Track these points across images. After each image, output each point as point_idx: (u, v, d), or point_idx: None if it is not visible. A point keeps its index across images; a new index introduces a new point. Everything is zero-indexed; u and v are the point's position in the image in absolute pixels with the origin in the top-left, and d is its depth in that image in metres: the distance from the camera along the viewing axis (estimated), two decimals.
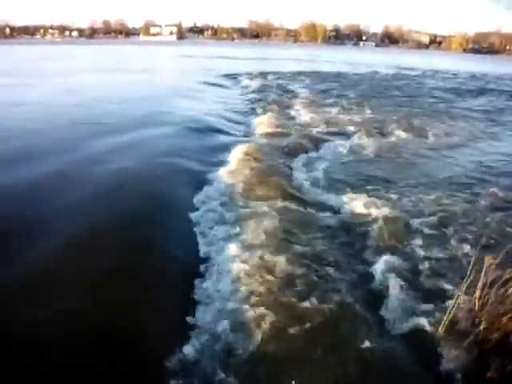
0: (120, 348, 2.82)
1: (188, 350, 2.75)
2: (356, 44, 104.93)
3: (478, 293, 2.97)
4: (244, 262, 3.69)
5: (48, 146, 7.34)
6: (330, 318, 3.05)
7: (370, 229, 4.52)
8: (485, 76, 30.25)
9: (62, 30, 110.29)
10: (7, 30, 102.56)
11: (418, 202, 5.36)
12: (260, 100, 14.25)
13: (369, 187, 5.95)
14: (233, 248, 3.96)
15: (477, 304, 2.98)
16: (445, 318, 2.89)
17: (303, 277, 3.50)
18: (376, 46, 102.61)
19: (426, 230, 4.55)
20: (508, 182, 6.44)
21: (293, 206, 5.10)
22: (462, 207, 5.25)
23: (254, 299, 3.17)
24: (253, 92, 16.44)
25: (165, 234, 4.46)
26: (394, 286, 3.46)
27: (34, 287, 3.37)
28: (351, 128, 10.01)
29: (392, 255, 3.93)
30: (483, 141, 9.61)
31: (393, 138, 9.29)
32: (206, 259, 3.92)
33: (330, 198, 5.50)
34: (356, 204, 5.19)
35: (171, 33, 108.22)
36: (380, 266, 3.76)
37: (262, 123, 10.08)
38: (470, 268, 2.96)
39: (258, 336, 2.83)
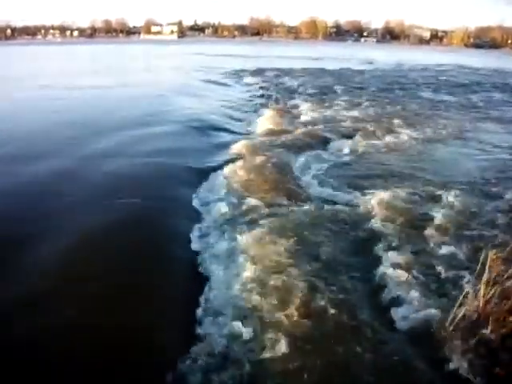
0: (120, 352, 2.83)
1: (189, 360, 2.70)
2: (357, 40, 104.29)
3: (482, 290, 2.97)
4: (247, 262, 3.69)
5: (48, 145, 7.48)
6: (338, 313, 3.06)
7: (376, 225, 4.52)
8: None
9: (63, 29, 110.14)
10: (8, 31, 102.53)
11: (426, 199, 5.31)
12: (262, 97, 14.24)
13: (377, 183, 5.92)
14: (235, 248, 3.97)
15: (481, 301, 2.99)
16: (452, 315, 2.90)
17: (309, 277, 3.49)
18: (377, 42, 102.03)
19: (434, 227, 4.53)
20: None
21: (296, 203, 5.10)
22: (472, 205, 5.19)
23: (256, 300, 3.18)
24: (255, 89, 16.41)
25: (165, 235, 4.45)
26: (402, 282, 3.47)
27: (34, 291, 3.37)
28: (358, 125, 9.85)
29: (399, 252, 3.94)
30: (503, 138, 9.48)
31: (400, 136, 9.06)
32: (208, 260, 3.90)
33: (334, 195, 5.51)
34: (362, 201, 5.21)
35: (172, 32, 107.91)
36: (387, 262, 3.77)
37: (265, 121, 10.10)
38: (478, 265, 2.97)
39: (261, 341, 2.83)
